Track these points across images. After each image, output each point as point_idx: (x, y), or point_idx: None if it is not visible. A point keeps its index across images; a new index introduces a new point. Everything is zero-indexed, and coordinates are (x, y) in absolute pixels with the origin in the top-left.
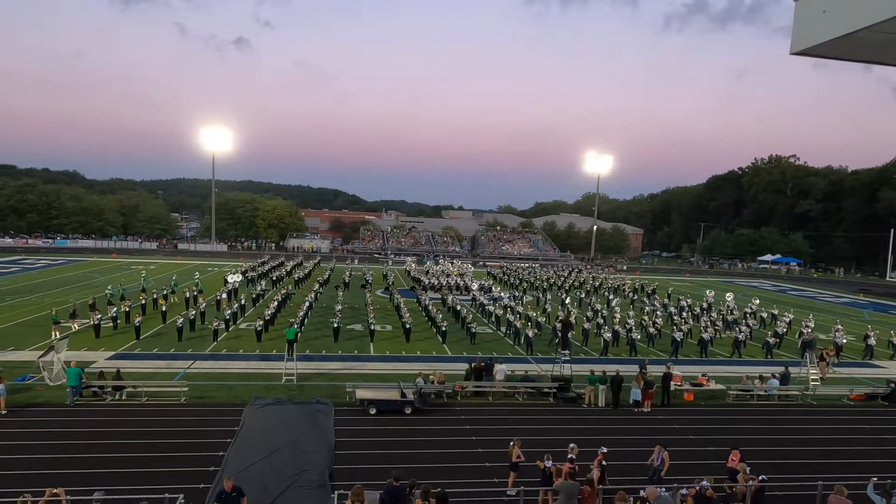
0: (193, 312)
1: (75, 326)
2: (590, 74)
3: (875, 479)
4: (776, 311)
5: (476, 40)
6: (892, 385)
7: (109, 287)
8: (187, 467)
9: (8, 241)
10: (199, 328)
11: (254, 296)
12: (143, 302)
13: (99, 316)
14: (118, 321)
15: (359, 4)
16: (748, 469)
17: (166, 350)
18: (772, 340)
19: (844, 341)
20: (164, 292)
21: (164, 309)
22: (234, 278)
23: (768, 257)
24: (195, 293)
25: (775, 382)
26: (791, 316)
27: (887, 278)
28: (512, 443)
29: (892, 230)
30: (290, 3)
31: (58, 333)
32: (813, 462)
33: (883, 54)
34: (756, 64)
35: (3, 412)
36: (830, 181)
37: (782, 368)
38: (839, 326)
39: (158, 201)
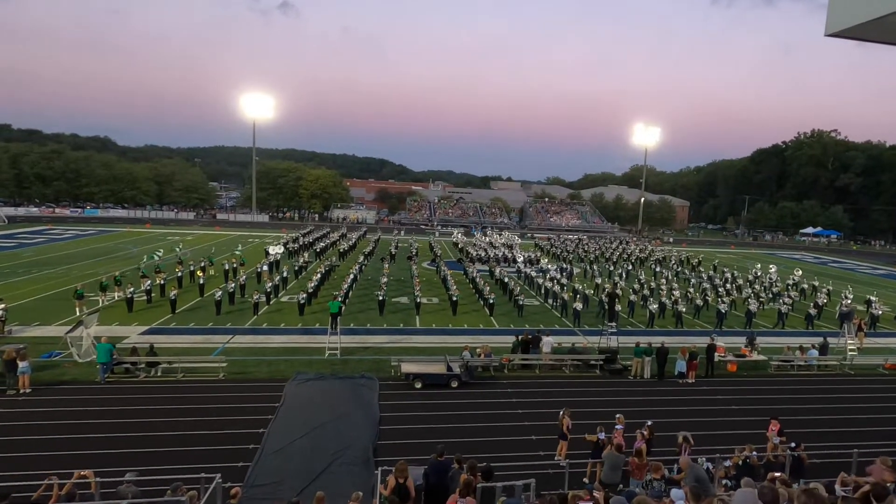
0: (233, 285)
1: (104, 300)
2: (639, 47)
3: None
4: (816, 283)
5: (527, 11)
6: None
7: (157, 254)
8: (225, 445)
9: (33, 210)
10: (238, 301)
11: (296, 268)
12: (180, 274)
13: (132, 289)
14: (152, 294)
15: None
16: (777, 440)
17: (203, 324)
18: (813, 312)
19: (880, 312)
20: (202, 264)
21: (201, 282)
22: (276, 250)
23: (810, 230)
24: (235, 265)
25: (815, 353)
26: (830, 287)
27: None
28: (562, 412)
29: None
30: None
31: (82, 309)
32: (850, 430)
33: None
34: (801, 40)
35: (28, 391)
36: (869, 156)
37: (821, 339)
38: (874, 298)
39: (195, 169)
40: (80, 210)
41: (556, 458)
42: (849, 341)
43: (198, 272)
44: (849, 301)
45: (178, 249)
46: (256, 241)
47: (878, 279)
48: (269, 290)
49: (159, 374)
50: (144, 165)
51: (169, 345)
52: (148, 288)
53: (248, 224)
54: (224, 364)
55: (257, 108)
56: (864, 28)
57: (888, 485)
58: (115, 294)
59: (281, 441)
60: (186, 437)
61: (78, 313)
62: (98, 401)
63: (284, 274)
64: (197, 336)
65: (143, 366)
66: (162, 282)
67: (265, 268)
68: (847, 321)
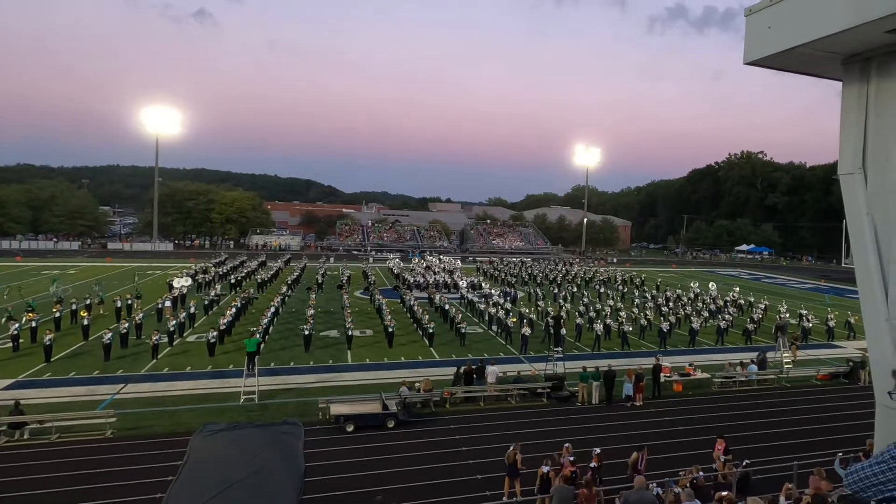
0: (126, 325)
1: None
2: (579, 69)
3: (840, 453)
4: (752, 299)
5: (468, 29)
6: (851, 364)
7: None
8: None
9: None
10: (133, 344)
11: (206, 302)
12: (58, 315)
13: None
14: (20, 340)
15: None
16: (723, 458)
17: (87, 373)
18: (751, 327)
19: (810, 325)
20: (87, 302)
21: (86, 323)
22: (182, 283)
23: (744, 247)
24: (129, 301)
25: (754, 368)
26: (766, 303)
27: (842, 265)
28: (512, 447)
29: (843, 221)
30: None
31: None
32: (791, 443)
33: (818, 68)
34: (730, 66)
35: None
36: (793, 176)
37: (759, 354)
38: (804, 311)
39: (82, 192)
40: None
41: (504, 498)
42: (784, 355)
43: (81, 312)
44: (785, 315)
45: (53, 287)
46: (158, 272)
47: (807, 293)
48: (172, 328)
49: (26, 436)
50: (16, 188)
51: (41, 400)
52: (15, 333)
53: (148, 254)
54: (112, 419)
55: (161, 123)
56: (776, 58)
57: (825, 493)
58: None
59: None
60: None
61: None
62: None
63: (192, 310)
64: (79, 387)
65: (3, 428)
66: (34, 323)
67: (167, 303)
68: (782, 335)
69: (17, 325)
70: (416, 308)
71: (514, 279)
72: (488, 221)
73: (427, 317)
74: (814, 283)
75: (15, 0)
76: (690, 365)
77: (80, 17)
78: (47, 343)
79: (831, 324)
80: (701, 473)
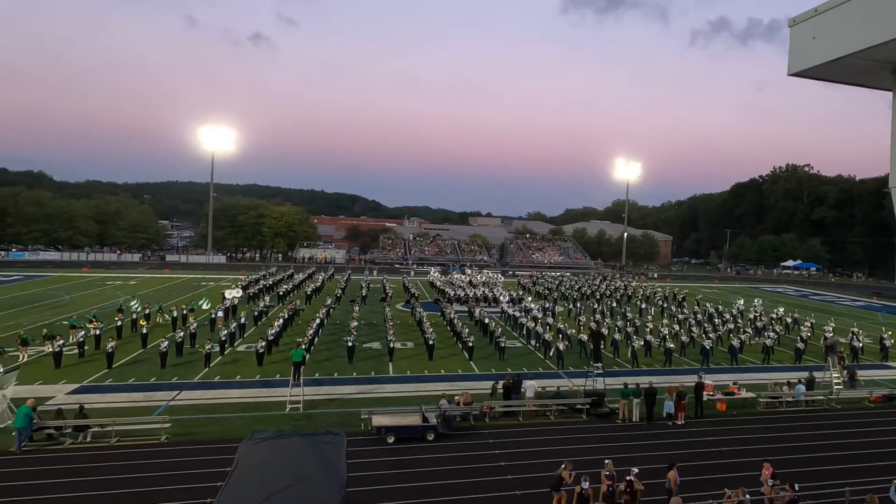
0: (181, 334)
1: (25, 356)
2: (620, 84)
3: None
4: (797, 316)
5: (508, 45)
6: None
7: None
8: None
9: None
10: (187, 352)
11: (256, 313)
12: (120, 323)
13: (61, 342)
14: (85, 347)
15: (389, 4)
16: (771, 482)
17: (145, 379)
18: (801, 346)
19: (861, 344)
20: (147, 311)
21: (144, 331)
22: (233, 294)
23: (790, 263)
24: (184, 311)
25: (802, 388)
26: (813, 320)
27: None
28: (563, 465)
29: None
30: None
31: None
32: (841, 467)
33: (865, 78)
34: (774, 78)
35: None
36: (841, 189)
37: (808, 373)
38: (855, 329)
39: (143, 207)
40: (3, 253)
41: None
42: (833, 375)
43: (141, 321)
44: (831, 333)
45: (134, 301)
46: (211, 283)
47: (858, 311)
48: (223, 338)
49: (89, 439)
50: (84, 203)
51: (103, 405)
52: (81, 340)
53: (203, 266)
54: (167, 424)
55: (217, 141)
56: (822, 69)
57: None
58: (47, 348)
59: None
60: None
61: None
62: (13, 474)
63: (242, 320)
64: (137, 393)
65: (69, 430)
66: (97, 332)
67: (220, 314)
68: (832, 354)
69: (83, 332)
70: (456, 321)
71: (554, 294)
72: (528, 236)
73: (467, 330)
74: (865, 301)
75: (84, 28)
76: (735, 384)
77: (147, 45)
78: (110, 350)
79: (887, 343)
80: (748, 496)
